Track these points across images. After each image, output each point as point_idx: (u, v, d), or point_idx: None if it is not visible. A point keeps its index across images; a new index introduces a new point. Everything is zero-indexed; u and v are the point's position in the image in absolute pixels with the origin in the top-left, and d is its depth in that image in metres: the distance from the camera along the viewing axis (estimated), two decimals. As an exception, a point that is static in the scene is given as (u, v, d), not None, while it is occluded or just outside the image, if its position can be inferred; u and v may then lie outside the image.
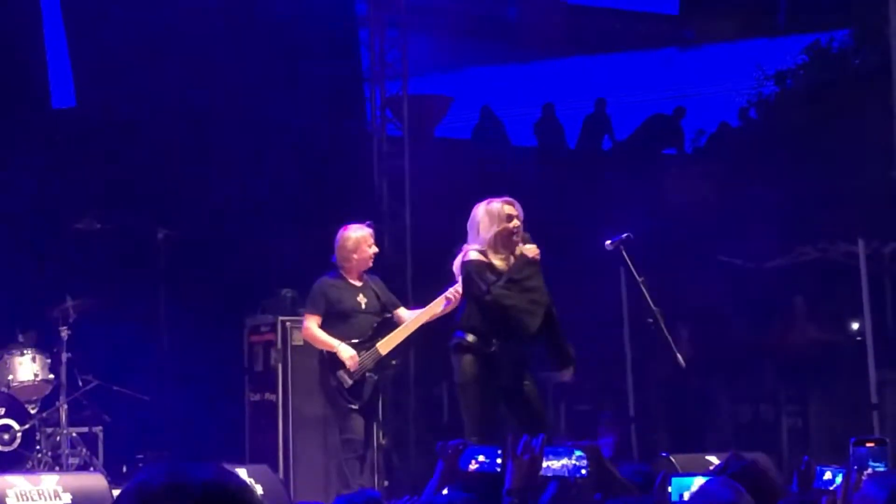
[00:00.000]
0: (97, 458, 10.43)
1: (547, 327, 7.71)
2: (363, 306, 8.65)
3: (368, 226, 8.80)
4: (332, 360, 8.53)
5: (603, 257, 8.28)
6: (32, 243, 11.83)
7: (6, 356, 10.15)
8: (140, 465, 10.84)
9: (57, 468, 9.74)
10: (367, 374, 8.48)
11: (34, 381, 10.15)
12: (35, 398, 10.22)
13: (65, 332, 10.23)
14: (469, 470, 4.21)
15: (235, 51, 13.20)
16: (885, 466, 4.86)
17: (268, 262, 12.32)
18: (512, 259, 7.69)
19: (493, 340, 7.64)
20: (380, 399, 8.85)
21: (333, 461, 9.37)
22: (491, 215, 7.69)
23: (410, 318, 8.60)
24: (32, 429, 9.90)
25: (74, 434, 10.34)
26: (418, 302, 9.03)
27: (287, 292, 11.07)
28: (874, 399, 11.32)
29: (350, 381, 8.45)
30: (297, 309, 10.48)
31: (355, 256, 8.67)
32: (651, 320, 7.88)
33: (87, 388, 10.54)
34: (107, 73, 13.07)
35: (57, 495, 7.33)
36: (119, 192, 12.25)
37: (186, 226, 11.65)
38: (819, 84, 17.33)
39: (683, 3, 23.54)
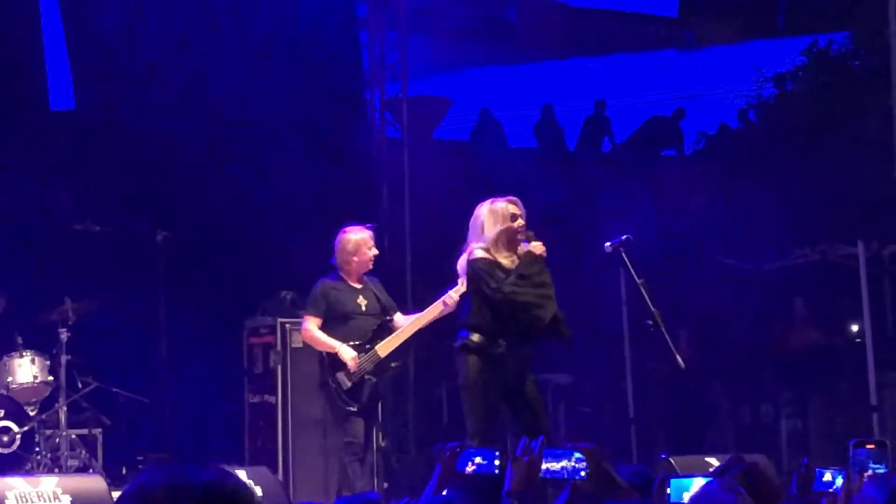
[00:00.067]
0: (96, 459, 10.42)
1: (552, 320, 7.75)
2: (363, 308, 8.65)
3: (368, 228, 8.80)
4: (332, 362, 8.53)
5: (602, 259, 8.28)
6: (32, 245, 11.82)
7: (5, 358, 10.14)
8: (139, 466, 10.83)
9: (56, 470, 9.73)
10: (366, 377, 8.47)
11: (33, 383, 10.14)
12: (34, 400, 10.21)
13: (64, 334, 10.23)
14: (466, 472, 4.20)
15: (235, 53, 13.20)
16: (886, 468, 4.86)
17: (267, 263, 12.31)
18: (515, 258, 7.70)
19: (501, 340, 7.64)
20: (380, 401, 8.84)
21: (333, 463, 9.37)
22: (495, 214, 7.70)
23: (407, 323, 8.60)
24: (32, 431, 9.89)
25: (74, 436, 10.33)
26: (418, 303, 9.03)
27: (286, 294, 11.07)
28: (874, 401, 11.32)
29: (349, 384, 8.45)
30: (296, 311, 10.47)
31: (355, 259, 8.67)
32: (650, 322, 7.88)
33: (87, 390, 10.53)
34: (106, 75, 13.07)
35: (56, 497, 7.32)
36: (118, 193, 12.24)
37: (186, 228, 11.65)
38: (819, 86, 17.34)
39: (683, 5, 23.57)
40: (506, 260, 7.68)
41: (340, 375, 8.47)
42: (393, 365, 8.67)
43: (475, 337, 7.66)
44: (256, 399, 10.85)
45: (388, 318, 8.69)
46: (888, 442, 5.05)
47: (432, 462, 4.53)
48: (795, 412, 13.71)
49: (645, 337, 8.24)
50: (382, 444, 8.84)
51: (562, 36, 22.45)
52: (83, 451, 10.23)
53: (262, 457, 10.33)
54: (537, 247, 7.72)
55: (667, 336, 7.82)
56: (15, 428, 9.83)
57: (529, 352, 7.83)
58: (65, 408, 10.25)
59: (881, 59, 13.89)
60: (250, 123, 13.26)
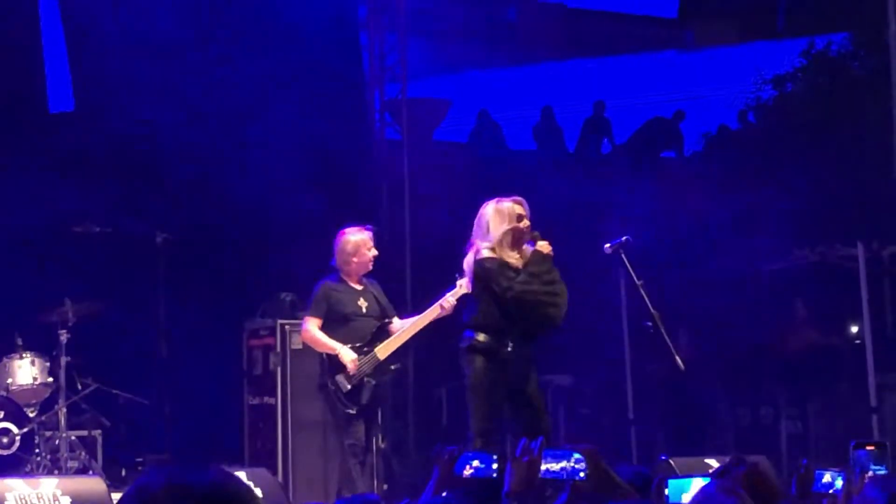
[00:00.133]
0: (96, 461, 10.42)
1: None
2: (364, 310, 8.66)
3: (368, 229, 8.80)
4: (332, 363, 8.53)
5: (602, 260, 8.28)
6: (31, 247, 11.82)
7: (5, 360, 10.14)
8: (139, 468, 10.83)
9: (56, 472, 9.72)
10: (366, 379, 8.47)
11: (33, 384, 10.14)
12: (34, 402, 10.20)
13: (64, 336, 10.22)
14: (464, 475, 4.20)
15: (235, 54, 13.20)
16: (886, 470, 4.86)
17: (267, 265, 12.31)
18: (520, 258, 7.71)
19: (508, 340, 7.65)
20: (381, 404, 8.83)
21: (333, 464, 9.37)
22: (501, 214, 7.71)
23: (405, 327, 8.60)
24: (31, 432, 9.89)
25: (73, 437, 10.33)
26: (417, 304, 9.02)
27: (286, 296, 11.06)
28: (873, 402, 11.32)
29: (349, 386, 8.45)
30: (296, 312, 10.48)
31: (355, 259, 8.67)
32: (650, 323, 7.88)
33: (86, 391, 10.53)
34: (105, 76, 13.06)
35: (56, 499, 7.32)
36: (118, 195, 12.24)
37: (185, 229, 11.65)
38: (818, 87, 17.34)
39: (682, 6, 23.57)
40: (511, 259, 7.69)
41: (340, 378, 8.47)
42: (392, 367, 8.66)
43: (481, 337, 7.67)
44: (256, 401, 10.85)
45: (387, 320, 8.70)
46: (888, 443, 5.05)
47: (432, 463, 4.53)
48: (795, 413, 13.71)
49: (645, 338, 8.23)
50: (382, 446, 8.84)
51: (561, 37, 22.45)
52: (83, 453, 10.22)
53: (262, 458, 10.33)
54: (544, 246, 7.73)
55: (666, 337, 7.82)
56: (15, 429, 9.82)
57: (532, 352, 7.84)
58: (64, 409, 10.25)
59: (881, 60, 13.90)
60: (250, 125, 13.25)
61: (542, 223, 7.85)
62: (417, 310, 8.79)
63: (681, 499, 4.22)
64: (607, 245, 8.03)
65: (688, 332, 12.82)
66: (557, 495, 4.28)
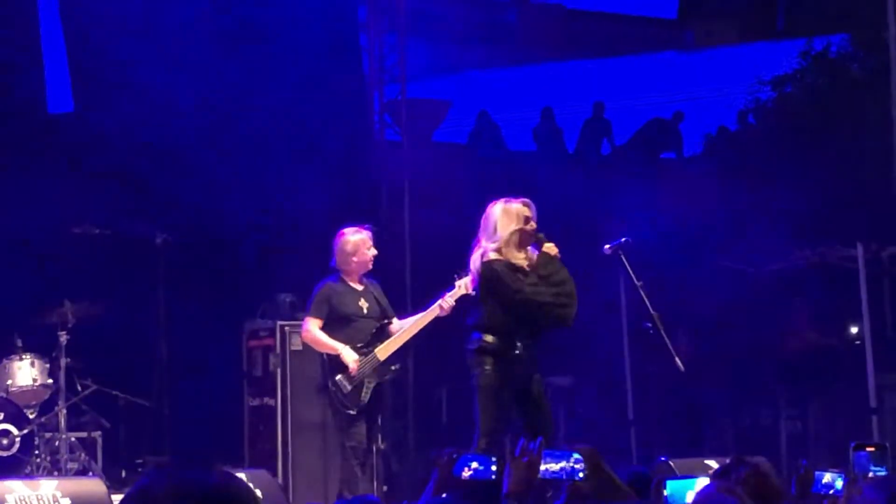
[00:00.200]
0: (96, 462, 10.41)
1: None
2: (364, 311, 8.65)
3: (367, 229, 8.80)
4: (332, 364, 8.53)
5: (602, 261, 8.28)
6: (31, 248, 11.81)
7: (5, 361, 10.13)
8: (139, 470, 10.82)
9: (55, 473, 9.72)
10: (366, 380, 8.47)
11: (33, 385, 10.13)
12: (34, 403, 10.20)
13: (63, 337, 10.22)
14: (463, 477, 4.20)
15: (235, 55, 13.19)
16: (886, 471, 4.86)
17: (266, 266, 12.31)
18: (526, 259, 7.71)
19: (517, 341, 7.66)
20: (380, 405, 8.82)
21: (332, 465, 9.37)
22: (509, 214, 7.71)
23: (405, 327, 8.60)
24: (31, 434, 9.88)
25: (73, 439, 10.32)
26: (417, 304, 9.02)
27: (286, 297, 11.07)
28: (873, 403, 11.32)
29: (349, 387, 8.45)
30: (295, 314, 10.47)
31: (354, 259, 8.67)
32: (650, 324, 7.88)
33: (86, 392, 10.53)
34: (104, 77, 13.05)
35: (56, 500, 7.32)
36: (117, 196, 12.24)
37: (185, 230, 11.65)
38: (818, 88, 17.34)
39: (682, 6, 23.57)
40: (518, 261, 7.69)
41: (340, 378, 8.46)
42: (393, 368, 8.66)
43: (490, 338, 7.67)
44: (256, 402, 10.85)
45: (386, 321, 8.70)
46: (888, 445, 5.05)
47: (431, 464, 4.53)
48: (795, 414, 13.71)
49: (645, 338, 8.23)
50: (382, 447, 8.83)
51: (561, 38, 22.45)
52: (83, 454, 10.22)
53: (262, 460, 10.33)
54: (551, 248, 7.74)
55: (666, 338, 7.82)
56: (14, 431, 9.82)
57: (538, 354, 7.86)
58: (64, 411, 10.25)
59: (880, 61, 13.90)
60: (250, 126, 13.25)
61: (541, 224, 7.85)
62: (417, 310, 8.79)
63: (679, 500, 4.22)
64: (607, 246, 8.04)
65: (688, 332, 12.81)
66: (557, 496, 4.28)
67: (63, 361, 10.22)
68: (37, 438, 9.96)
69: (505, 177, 14.76)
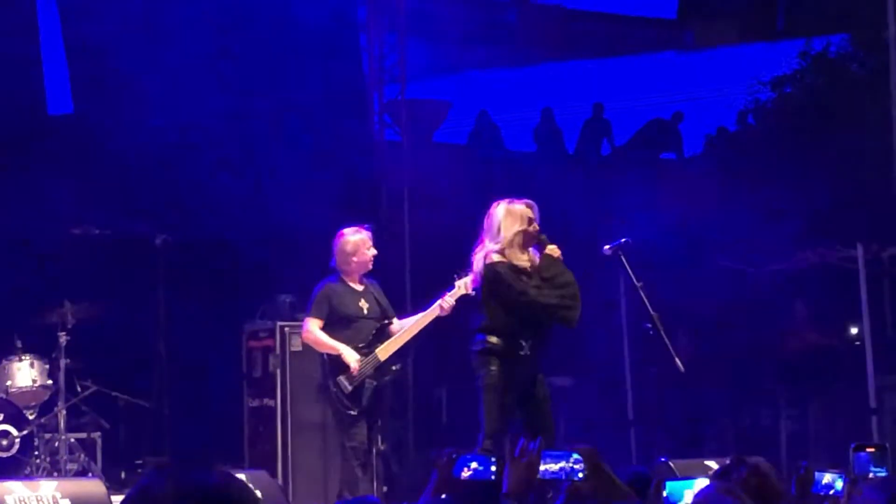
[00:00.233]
0: (95, 463, 10.41)
1: None
2: (365, 311, 8.65)
3: (366, 229, 8.80)
4: (333, 364, 8.52)
5: (601, 262, 8.28)
6: (31, 248, 11.81)
7: (4, 362, 10.13)
8: (139, 470, 10.82)
9: (55, 474, 9.72)
10: (367, 380, 8.47)
11: (32, 386, 10.13)
12: (33, 404, 10.20)
13: (63, 338, 10.22)
14: (462, 478, 4.19)
15: (234, 55, 13.20)
16: (886, 472, 4.86)
17: (266, 267, 12.31)
18: (528, 260, 7.72)
19: (522, 342, 7.66)
20: (381, 405, 8.81)
21: (332, 466, 9.36)
22: (513, 215, 7.72)
23: (405, 327, 8.60)
24: (31, 434, 9.88)
25: (73, 440, 10.32)
26: (417, 304, 9.02)
27: (285, 298, 11.06)
28: (873, 403, 11.32)
29: (350, 387, 8.44)
30: (295, 314, 10.47)
31: (354, 259, 8.67)
32: (650, 325, 7.89)
33: (86, 393, 10.52)
34: (104, 78, 13.06)
35: (55, 501, 7.32)
36: (117, 197, 12.24)
37: (185, 231, 11.65)
38: (818, 88, 17.34)
39: (682, 7, 23.56)
40: (521, 262, 7.70)
41: (341, 379, 8.46)
42: (393, 368, 8.66)
43: (494, 339, 7.68)
44: (256, 403, 10.85)
45: (386, 321, 8.69)
46: (888, 445, 5.05)
47: (431, 465, 4.53)
48: (795, 414, 13.71)
49: (645, 339, 8.24)
50: (382, 447, 8.83)
51: (561, 38, 22.43)
52: (82, 455, 10.21)
53: (262, 460, 10.33)
54: (554, 250, 7.75)
55: (666, 339, 7.82)
56: (14, 432, 9.82)
57: (541, 355, 7.87)
58: (64, 411, 10.24)
59: (880, 61, 13.90)
60: (249, 126, 13.25)
61: (542, 224, 7.85)
62: (417, 310, 8.79)
63: (679, 500, 4.22)
64: (607, 246, 8.04)
65: (688, 332, 12.81)
66: (557, 496, 4.27)
67: (63, 362, 10.22)
68: (36, 439, 9.95)
69: (505, 177, 14.77)
